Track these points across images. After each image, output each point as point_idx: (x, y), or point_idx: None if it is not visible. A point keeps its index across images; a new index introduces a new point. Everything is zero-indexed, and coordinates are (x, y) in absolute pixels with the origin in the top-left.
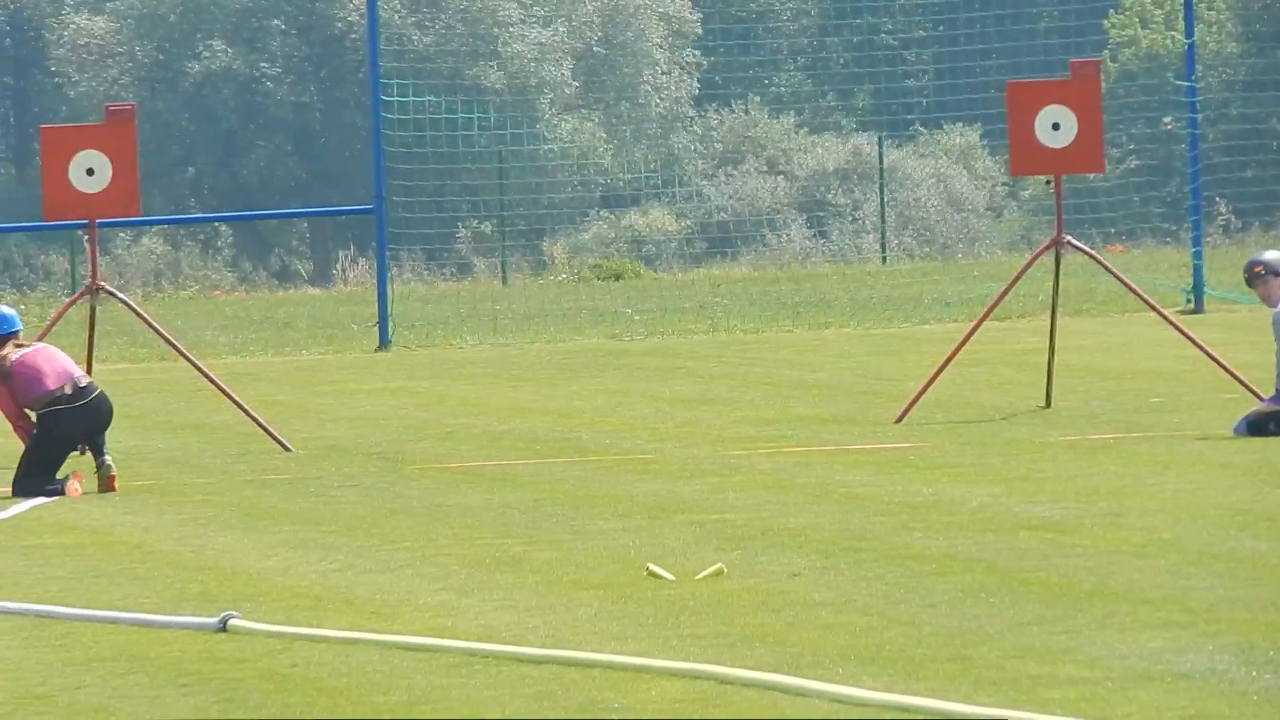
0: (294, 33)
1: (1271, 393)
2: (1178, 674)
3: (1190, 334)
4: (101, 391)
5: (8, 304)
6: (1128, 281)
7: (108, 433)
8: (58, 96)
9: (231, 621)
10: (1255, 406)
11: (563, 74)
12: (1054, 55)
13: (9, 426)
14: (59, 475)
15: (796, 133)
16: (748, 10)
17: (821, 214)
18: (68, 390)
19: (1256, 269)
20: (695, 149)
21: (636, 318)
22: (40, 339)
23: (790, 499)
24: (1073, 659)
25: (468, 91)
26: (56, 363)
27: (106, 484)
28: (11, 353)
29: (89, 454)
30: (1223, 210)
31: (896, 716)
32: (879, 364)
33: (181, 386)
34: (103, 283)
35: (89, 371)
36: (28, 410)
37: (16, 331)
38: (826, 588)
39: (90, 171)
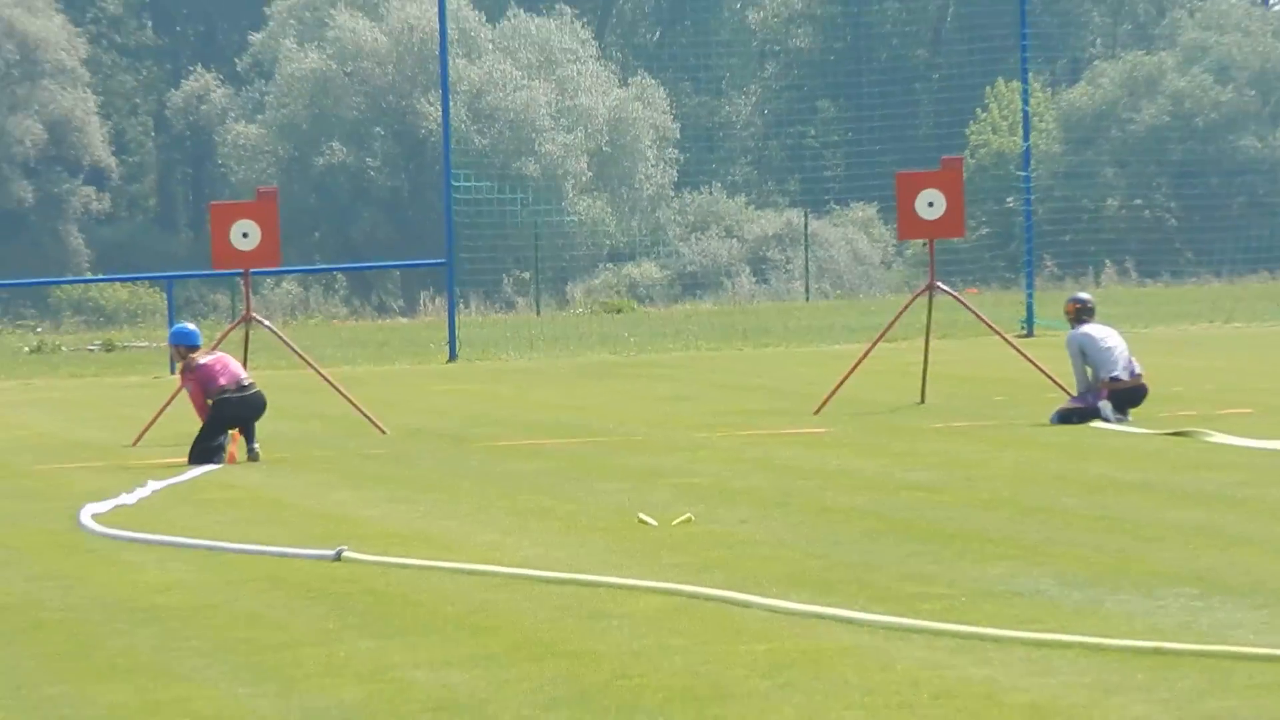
0: (390, 136)
1: (1075, 393)
2: (1013, 592)
3: (1023, 351)
4: (259, 390)
5: (193, 324)
6: (980, 314)
7: (260, 423)
8: (223, 182)
9: (344, 553)
10: (1064, 403)
11: (580, 166)
12: (930, 153)
13: (193, 412)
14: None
15: (746, 209)
16: (712, 122)
17: (764, 266)
18: (233, 387)
19: (1070, 305)
20: (674, 220)
21: (632, 339)
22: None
23: (740, 468)
24: (939, 581)
25: (513, 178)
26: (230, 367)
27: (254, 460)
28: (200, 356)
29: (242, 439)
30: (1049, 264)
31: (814, 620)
32: (803, 372)
33: (309, 387)
34: (254, 314)
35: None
36: (208, 399)
37: (199, 345)
38: (765, 531)
39: (245, 235)
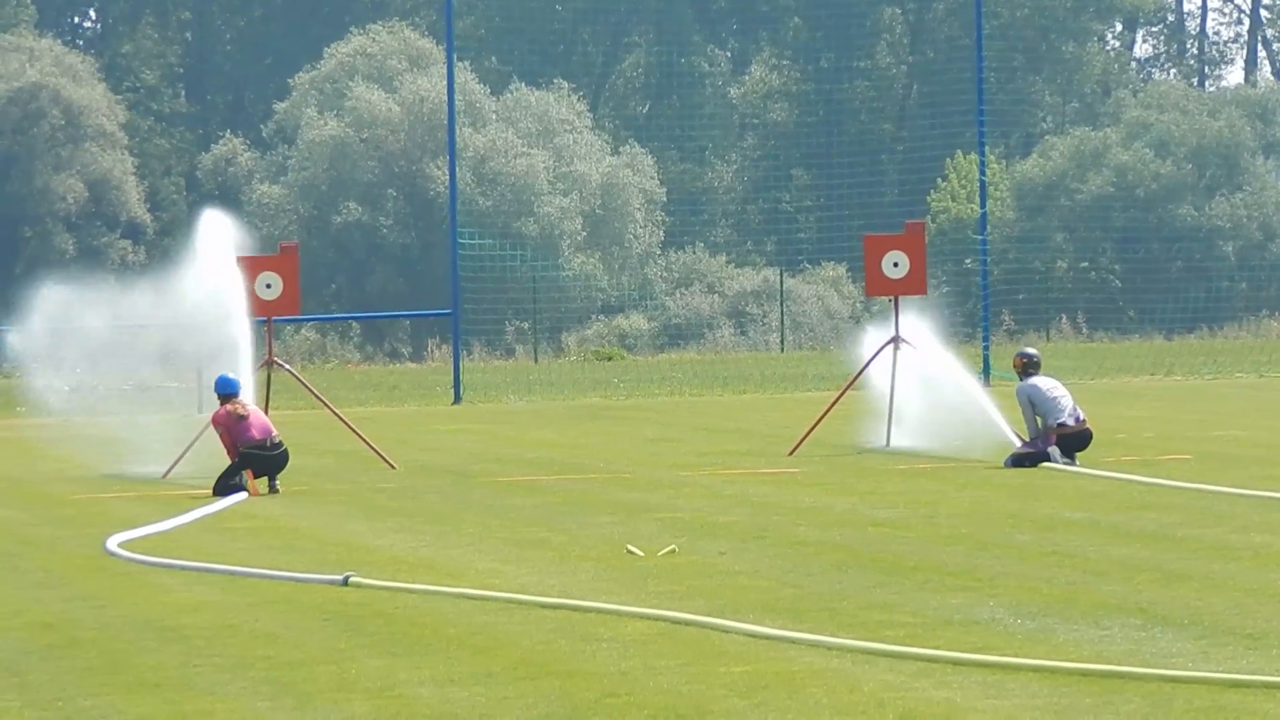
0: (402, 198)
1: (1026, 439)
2: (970, 621)
3: (980, 399)
4: (285, 450)
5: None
6: (939, 364)
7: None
8: (248, 237)
9: (351, 579)
10: (1017, 448)
11: (575, 226)
12: (895, 218)
13: (217, 448)
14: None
15: (726, 267)
16: (696, 188)
17: (743, 320)
18: (267, 443)
19: (1018, 360)
20: (661, 276)
21: (621, 385)
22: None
23: (719, 504)
24: (902, 610)
25: (514, 237)
26: (262, 422)
27: (274, 493)
28: (241, 408)
29: (264, 479)
30: (1006, 320)
31: (788, 645)
32: (779, 417)
33: (325, 426)
34: (276, 358)
35: (265, 411)
36: (238, 446)
37: (237, 393)
38: (743, 562)
39: (269, 285)
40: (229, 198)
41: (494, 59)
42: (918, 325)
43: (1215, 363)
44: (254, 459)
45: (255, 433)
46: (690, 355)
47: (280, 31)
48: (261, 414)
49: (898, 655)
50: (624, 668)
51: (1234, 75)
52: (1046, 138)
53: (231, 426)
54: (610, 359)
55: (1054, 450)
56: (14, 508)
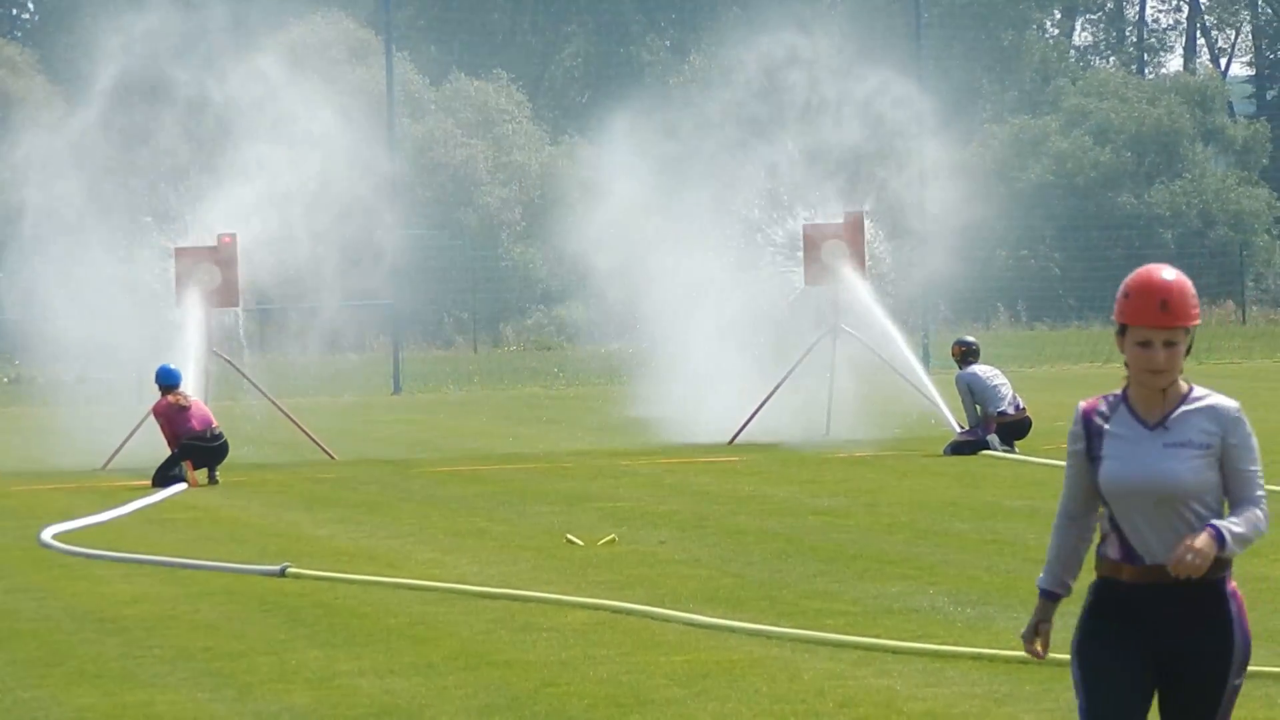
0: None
1: (966, 427)
2: (910, 609)
3: (921, 387)
4: (225, 441)
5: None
6: (879, 353)
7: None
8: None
9: (289, 569)
10: (956, 436)
11: (515, 216)
12: (834, 207)
13: (157, 438)
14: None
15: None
16: None
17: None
18: (207, 434)
19: (956, 348)
20: (600, 266)
21: (560, 375)
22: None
23: (660, 493)
24: (842, 599)
25: (454, 227)
26: (202, 413)
27: (214, 484)
28: (182, 399)
29: (204, 470)
30: (943, 310)
31: (727, 634)
32: (718, 405)
33: (266, 417)
34: (216, 349)
35: (205, 402)
36: (178, 437)
37: (178, 383)
38: (683, 551)
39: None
40: None
41: (433, 49)
42: (865, 309)
43: None
44: (194, 450)
45: (195, 424)
46: (629, 344)
47: (219, 23)
48: (202, 405)
49: (838, 644)
50: (564, 657)
51: (1173, 63)
52: (986, 126)
53: (172, 417)
54: (550, 348)
55: (993, 438)
56: None
